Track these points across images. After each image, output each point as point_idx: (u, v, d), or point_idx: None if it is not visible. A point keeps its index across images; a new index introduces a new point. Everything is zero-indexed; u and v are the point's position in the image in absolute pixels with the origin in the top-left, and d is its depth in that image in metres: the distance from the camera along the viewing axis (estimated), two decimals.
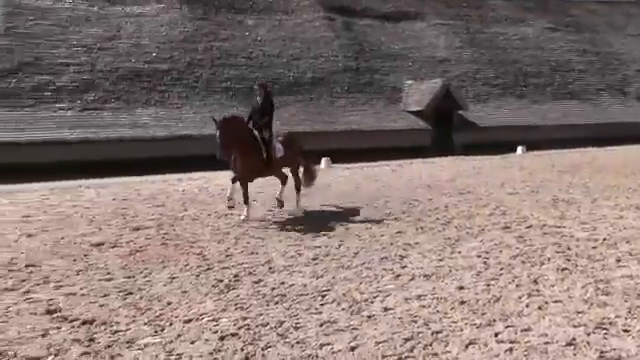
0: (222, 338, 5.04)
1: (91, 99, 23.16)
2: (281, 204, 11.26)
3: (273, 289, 6.41)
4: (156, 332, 5.23)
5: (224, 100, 25.44)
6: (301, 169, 11.85)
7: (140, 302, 6.06)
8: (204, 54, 26.92)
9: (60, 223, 10.40)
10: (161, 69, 25.49)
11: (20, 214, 11.40)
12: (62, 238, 9.13)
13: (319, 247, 8.32)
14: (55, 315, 5.69)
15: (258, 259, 7.71)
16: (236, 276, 6.93)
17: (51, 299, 6.19)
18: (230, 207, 10.41)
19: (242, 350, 4.79)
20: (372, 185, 15.06)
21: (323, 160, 20.65)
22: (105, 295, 6.30)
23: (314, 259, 7.67)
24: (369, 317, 5.49)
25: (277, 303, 5.95)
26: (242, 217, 10.46)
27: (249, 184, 10.87)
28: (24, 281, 6.87)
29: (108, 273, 7.19)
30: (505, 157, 23.24)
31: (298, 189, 11.66)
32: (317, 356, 4.67)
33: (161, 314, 5.68)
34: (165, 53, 26.13)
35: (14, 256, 8.04)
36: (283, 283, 6.63)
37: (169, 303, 6.00)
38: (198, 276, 6.99)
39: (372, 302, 5.93)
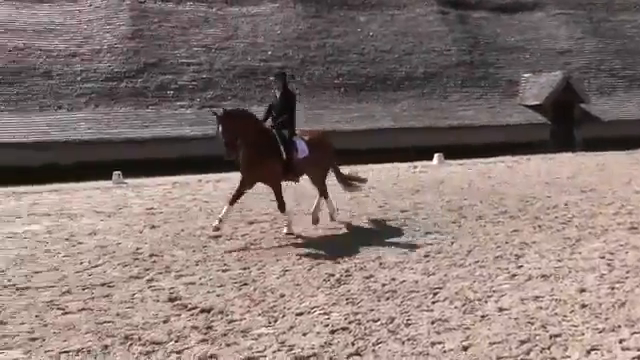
0: (333, 332, 5.09)
1: (209, 97, 24.10)
2: (332, 218, 9.95)
3: (384, 285, 6.39)
4: (269, 323, 5.36)
5: (336, 96, 25.66)
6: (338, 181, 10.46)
7: (254, 293, 6.23)
8: (317, 51, 27.25)
9: (181, 216, 10.91)
10: (275, 67, 26.03)
11: (145, 207, 12.08)
12: (182, 230, 9.58)
13: (431, 244, 8.20)
14: (176, 303, 5.98)
15: (369, 254, 7.71)
16: (347, 271, 6.97)
17: (172, 287, 6.51)
18: (216, 229, 8.83)
19: (353, 345, 4.80)
20: (486, 182, 14.65)
21: (435, 156, 20.34)
22: (221, 285, 6.54)
23: (426, 256, 7.57)
24: (482, 317, 5.35)
25: (388, 299, 5.92)
26: (284, 231, 9.16)
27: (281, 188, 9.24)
28: (148, 270, 7.28)
29: (225, 264, 7.46)
30: (631, 153, 21.85)
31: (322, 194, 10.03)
32: (428, 354, 4.60)
33: (274, 306, 5.82)
34: (279, 51, 26.70)
35: (139, 246, 8.54)
36: (394, 279, 6.59)
37: (282, 295, 6.14)
38: (310, 270, 7.10)
39: (486, 301, 5.77)
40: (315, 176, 9.88)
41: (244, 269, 7.22)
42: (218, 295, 6.20)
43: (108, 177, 17.10)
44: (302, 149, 9.20)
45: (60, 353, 4.76)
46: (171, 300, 6.07)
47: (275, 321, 5.40)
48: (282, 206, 9.06)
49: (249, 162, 8.79)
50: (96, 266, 7.50)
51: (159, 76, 24.13)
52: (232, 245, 8.53)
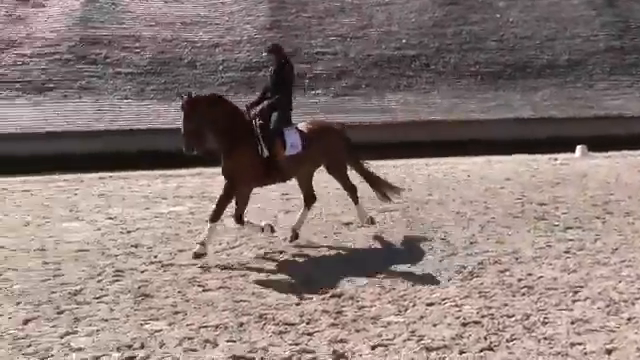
0: (464, 324, 4.97)
1: (343, 85, 24.36)
2: (295, 236, 7.95)
3: (520, 280, 6.15)
4: (399, 312, 5.34)
5: (472, 85, 25.00)
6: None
7: (385, 281, 6.23)
8: (453, 39, 26.67)
9: None
10: (410, 55, 25.83)
11: (280, 192, 12.42)
12: (315, 216, 9.74)
13: (572, 240, 7.77)
14: (308, 286, 6.12)
15: (504, 248, 7.44)
16: (480, 264, 6.78)
17: (304, 271, 6.66)
18: (198, 256, 6.96)
19: (485, 339, 4.67)
20: (636, 176, 13.61)
21: (578, 147, 19.22)
22: (352, 272, 6.60)
23: (566, 252, 7.19)
24: (629, 319, 4.99)
25: (523, 295, 5.69)
26: (196, 248, 7.08)
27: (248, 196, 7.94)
28: (282, 252, 7.51)
29: (355, 251, 7.51)
30: None
31: (354, 197, 8.48)
32: (567, 354, 4.37)
33: (404, 294, 5.79)
34: (414, 39, 26.42)
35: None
36: (530, 274, 6.32)
37: (412, 284, 6.09)
38: (441, 261, 6.98)
39: (633, 304, 5.38)
40: (308, 178, 8.30)
41: (375, 256, 7.23)
42: (349, 281, 6.27)
43: None
44: (293, 143, 7.41)
45: (200, 327, 5.02)
46: (303, 283, 6.22)
47: (405, 310, 5.37)
48: (216, 215, 7.22)
49: (222, 154, 7.33)
50: (234, 247, 7.84)
51: (295, 65, 24.75)
52: (364, 232, 8.57)
